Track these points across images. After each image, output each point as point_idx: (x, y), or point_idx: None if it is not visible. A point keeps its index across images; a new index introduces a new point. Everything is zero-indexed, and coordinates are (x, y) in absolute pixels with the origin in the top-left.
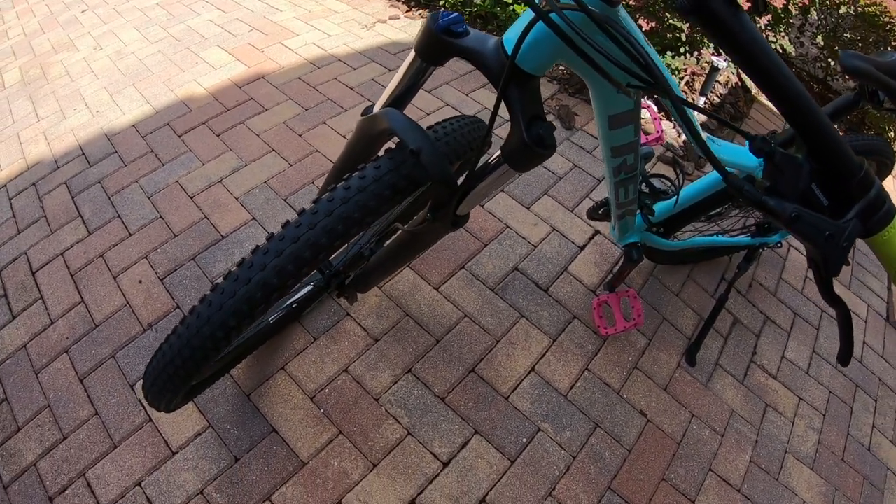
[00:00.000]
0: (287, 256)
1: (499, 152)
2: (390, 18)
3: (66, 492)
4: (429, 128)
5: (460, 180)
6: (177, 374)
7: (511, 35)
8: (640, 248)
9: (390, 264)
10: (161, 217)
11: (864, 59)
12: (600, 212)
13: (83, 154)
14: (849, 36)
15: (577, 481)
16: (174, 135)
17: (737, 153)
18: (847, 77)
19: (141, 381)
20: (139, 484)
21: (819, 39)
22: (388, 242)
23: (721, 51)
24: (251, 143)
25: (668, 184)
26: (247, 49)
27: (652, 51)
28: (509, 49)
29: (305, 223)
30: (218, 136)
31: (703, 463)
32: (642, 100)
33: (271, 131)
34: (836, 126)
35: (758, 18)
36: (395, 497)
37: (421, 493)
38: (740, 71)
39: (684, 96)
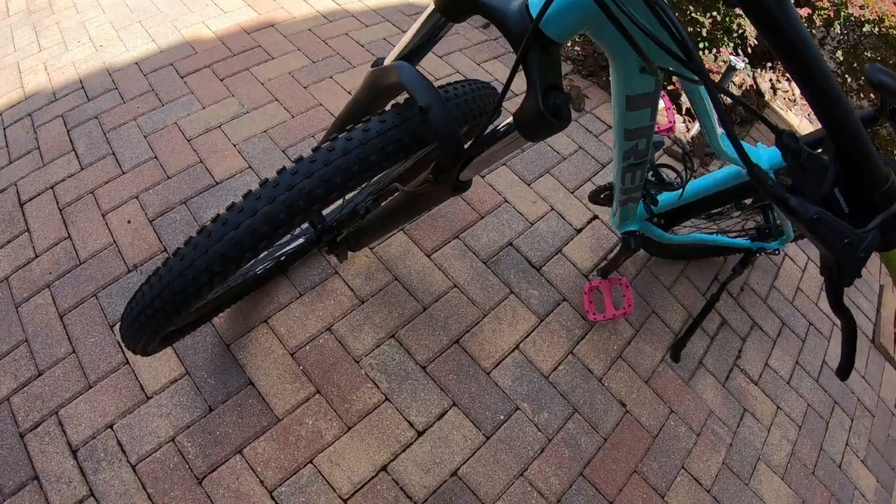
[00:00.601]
0: (280, 204)
1: (510, 119)
2: None
3: (38, 429)
4: (440, 87)
5: (467, 144)
6: (155, 316)
7: None
8: (639, 237)
9: (385, 225)
10: (156, 157)
11: (891, 74)
12: (602, 196)
13: (83, 88)
14: (869, 55)
15: (551, 464)
16: (177, 76)
17: (749, 151)
18: (862, 95)
19: (119, 322)
20: (111, 426)
21: (839, 54)
22: (384, 203)
23: (740, 51)
24: (254, 91)
25: (675, 176)
26: None
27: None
28: (534, 11)
29: (302, 171)
30: (221, 80)
31: (676, 460)
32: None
33: (276, 80)
34: None
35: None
36: (367, 461)
37: (393, 460)
38: (755, 74)
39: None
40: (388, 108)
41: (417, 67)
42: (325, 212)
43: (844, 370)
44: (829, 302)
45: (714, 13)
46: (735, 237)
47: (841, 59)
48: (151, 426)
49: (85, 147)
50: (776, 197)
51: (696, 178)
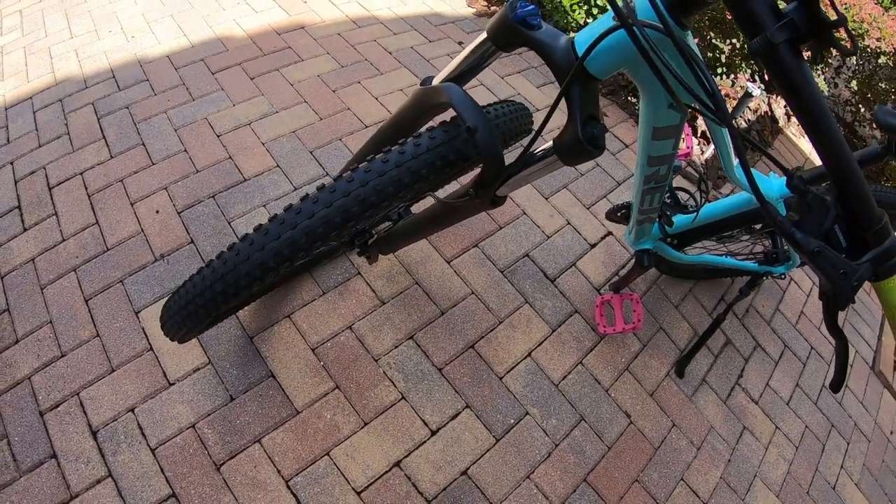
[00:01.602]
0: (336, 208)
1: (550, 143)
2: None
3: (59, 408)
4: (483, 107)
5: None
6: (205, 306)
7: (583, 38)
8: (652, 255)
9: (417, 232)
10: (186, 151)
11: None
12: (619, 214)
13: (114, 77)
14: (883, 86)
15: (556, 469)
16: (208, 71)
17: (760, 180)
18: (875, 127)
19: (161, 310)
20: (132, 410)
21: (853, 84)
22: (420, 211)
23: (756, 78)
24: (284, 92)
25: (689, 198)
26: None
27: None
28: (580, 50)
29: (358, 179)
30: (252, 79)
31: (676, 471)
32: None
33: (305, 82)
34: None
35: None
36: (381, 456)
37: (407, 456)
38: (771, 100)
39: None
40: (435, 125)
41: (465, 89)
42: None
43: (837, 384)
44: (825, 323)
45: (734, 39)
46: (743, 260)
47: (855, 88)
48: (173, 412)
49: (115, 136)
50: (784, 231)
51: (710, 201)
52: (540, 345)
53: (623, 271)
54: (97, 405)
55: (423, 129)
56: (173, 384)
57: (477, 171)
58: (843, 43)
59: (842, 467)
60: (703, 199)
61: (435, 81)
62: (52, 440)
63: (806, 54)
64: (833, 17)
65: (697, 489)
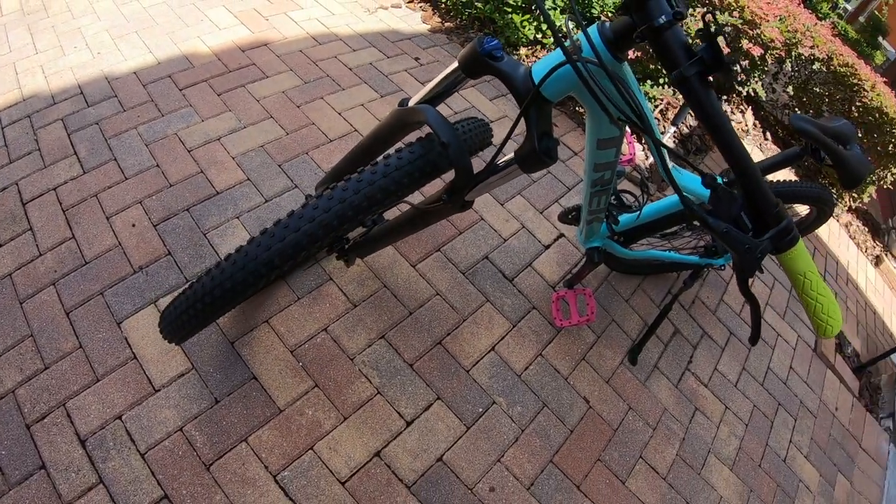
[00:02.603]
0: (333, 213)
1: (511, 155)
2: (392, 6)
3: (45, 420)
4: (455, 126)
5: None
6: (208, 307)
7: (538, 68)
8: (601, 252)
9: (392, 236)
10: (158, 165)
11: (810, 122)
12: (570, 216)
13: (82, 93)
14: (818, 90)
15: (524, 452)
16: (175, 88)
17: (695, 182)
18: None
19: (160, 316)
20: (120, 417)
21: (790, 89)
22: (395, 217)
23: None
24: (251, 107)
25: (633, 199)
26: (252, 14)
27: (642, 96)
28: (536, 79)
29: (351, 188)
30: (219, 95)
31: (635, 450)
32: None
33: (270, 98)
34: (782, 169)
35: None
36: (362, 448)
37: (386, 446)
38: None
39: (657, 124)
40: (412, 141)
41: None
42: None
43: (754, 338)
44: (739, 289)
45: None
46: (686, 254)
47: (792, 93)
48: (160, 417)
49: (87, 151)
50: (699, 217)
51: (652, 201)
52: (502, 339)
53: (576, 269)
54: (84, 414)
55: (402, 144)
56: (159, 390)
57: (447, 180)
58: (734, 73)
59: (791, 442)
60: (646, 200)
61: (411, 103)
62: (41, 451)
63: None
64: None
65: (656, 466)
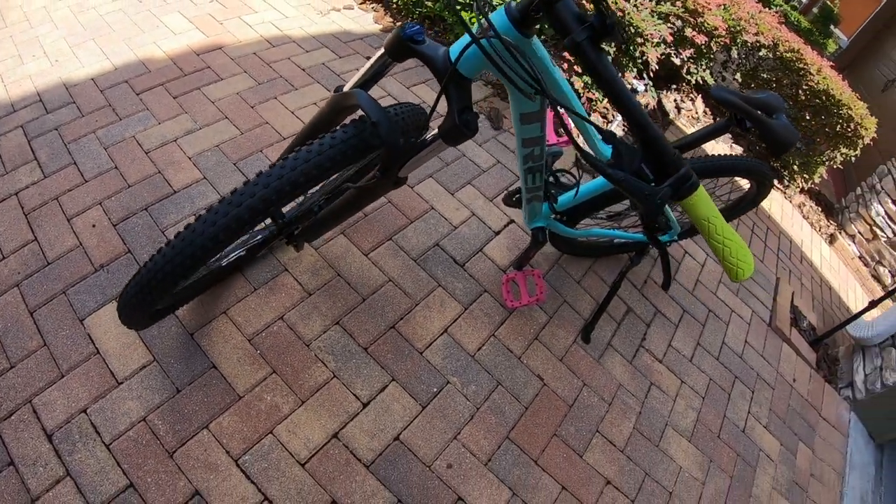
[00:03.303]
0: (272, 189)
1: (436, 130)
2: (344, 8)
3: (12, 417)
4: (386, 108)
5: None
6: (162, 283)
7: (455, 48)
8: (545, 231)
9: (336, 218)
10: (116, 168)
11: (732, 92)
12: (514, 199)
13: (41, 101)
14: (766, 76)
15: (480, 429)
16: (132, 92)
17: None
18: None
19: (118, 300)
20: (84, 411)
21: (738, 76)
22: (337, 200)
23: (646, 76)
24: (206, 109)
25: (573, 179)
26: (206, 19)
27: (556, 70)
28: (453, 58)
29: (289, 165)
30: (174, 98)
31: (591, 425)
32: (560, 110)
33: (225, 100)
34: (711, 140)
35: (647, 50)
36: (320, 430)
37: (343, 428)
38: (661, 96)
39: (584, 109)
40: (347, 123)
41: (369, 93)
42: (284, 210)
43: (666, 284)
44: (646, 237)
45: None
46: (630, 232)
47: (740, 80)
48: (123, 408)
49: (47, 157)
50: (599, 168)
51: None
52: (455, 322)
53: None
54: (50, 410)
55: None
56: (122, 383)
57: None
58: (623, 34)
59: (749, 413)
60: (581, 178)
61: (345, 89)
62: (9, 448)
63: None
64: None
65: (613, 439)
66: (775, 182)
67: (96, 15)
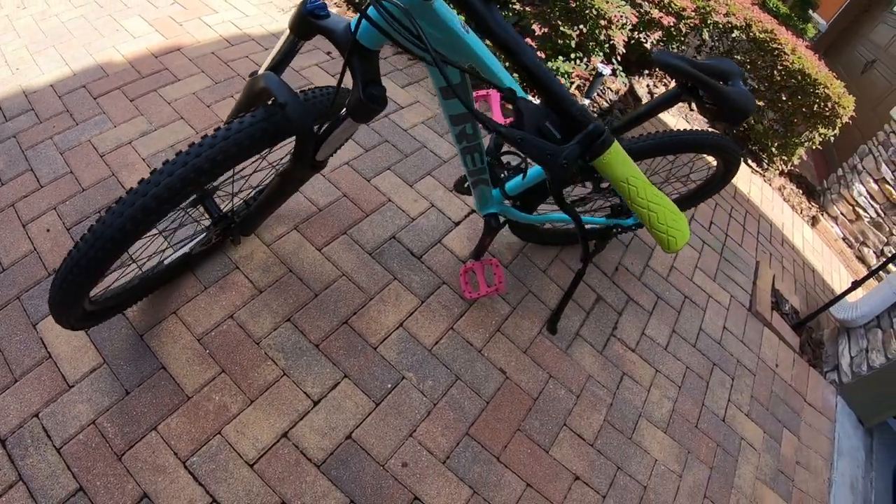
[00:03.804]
0: (176, 177)
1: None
2: None
3: None
4: (301, 92)
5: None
6: (84, 271)
7: (355, 20)
8: (498, 218)
9: (267, 206)
10: (71, 172)
11: (678, 57)
12: (465, 185)
13: (0, 109)
14: (739, 58)
15: (437, 425)
16: (90, 97)
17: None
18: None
19: (49, 293)
20: (37, 415)
21: None
22: (264, 191)
23: (615, 60)
24: (162, 110)
25: (521, 162)
26: (166, 21)
27: (469, 34)
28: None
29: (193, 152)
30: (131, 101)
31: (558, 418)
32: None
33: (182, 100)
34: (662, 111)
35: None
36: (269, 430)
37: (293, 427)
38: (633, 81)
39: (521, 89)
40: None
41: (283, 76)
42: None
43: (585, 260)
44: (556, 203)
45: (581, 26)
46: (593, 216)
47: None
48: (74, 412)
49: (4, 164)
50: (493, 128)
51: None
52: (411, 315)
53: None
54: (3, 415)
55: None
56: (73, 386)
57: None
58: None
59: (729, 401)
60: (527, 158)
61: (259, 73)
62: None
63: None
64: None
65: (582, 432)
66: (754, 162)
67: (58, 22)
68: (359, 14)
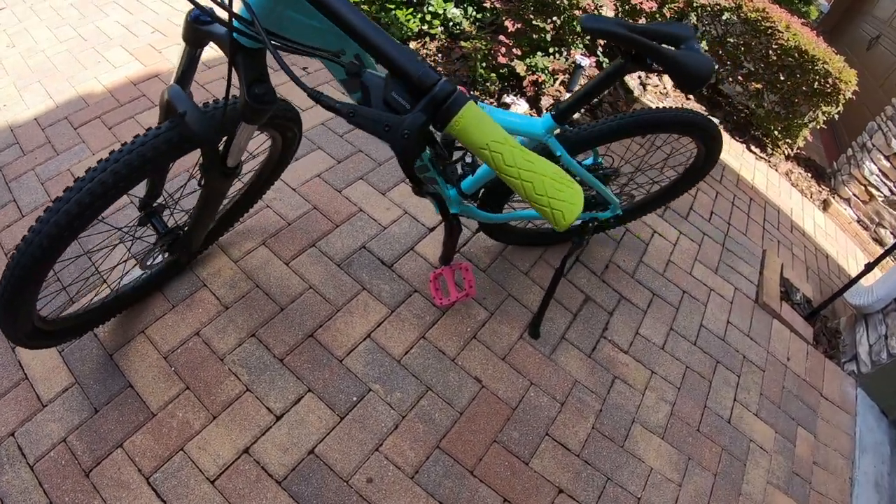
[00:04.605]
0: (85, 192)
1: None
2: None
3: None
4: (204, 104)
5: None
6: (17, 284)
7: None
8: (459, 219)
9: (200, 221)
10: (51, 200)
11: (611, 21)
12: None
13: None
14: (732, 41)
15: (405, 439)
16: (71, 127)
17: (527, 121)
18: (731, 80)
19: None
20: (13, 434)
21: (704, 44)
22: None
23: (599, 52)
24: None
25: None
26: (146, 49)
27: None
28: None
29: (99, 168)
30: (109, 128)
31: (539, 428)
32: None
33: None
34: (609, 86)
35: None
36: (230, 445)
37: (254, 443)
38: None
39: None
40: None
41: (191, 87)
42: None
43: (446, 258)
44: (410, 186)
45: (555, 18)
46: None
47: (706, 48)
48: (46, 430)
49: None
50: (315, 99)
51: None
52: (379, 326)
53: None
54: None
55: None
56: (46, 405)
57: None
58: None
59: (735, 400)
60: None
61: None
62: None
63: None
64: None
65: (566, 442)
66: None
67: (44, 57)
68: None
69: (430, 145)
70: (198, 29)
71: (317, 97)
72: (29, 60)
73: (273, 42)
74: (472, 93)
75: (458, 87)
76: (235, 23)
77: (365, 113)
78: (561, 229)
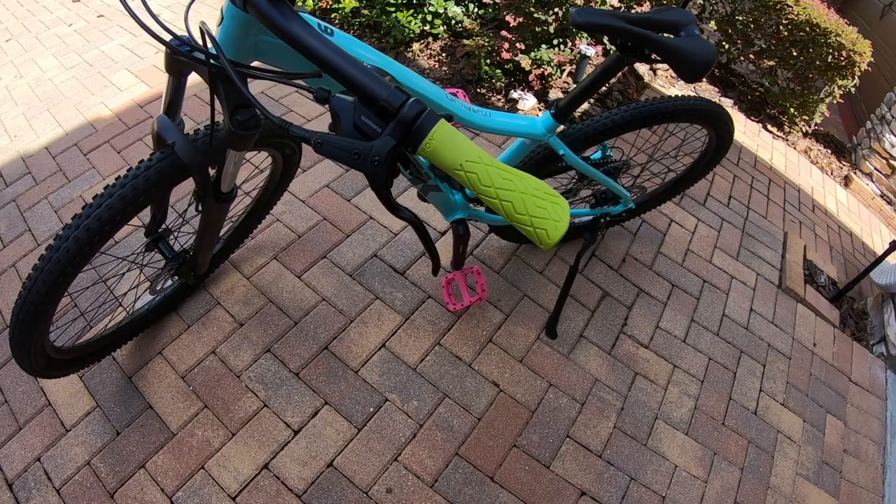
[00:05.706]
0: (82, 228)
1: None
2: None
3: None
4: (195, 131)
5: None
6: (26, 323)
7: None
8: (466, 224)
9: (202, 243)
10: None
11: (603, 13)
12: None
13: (1, 176)
14: (741, 19)
15: (424, 447)
16: (81, 154)
17: (529, 121)
18: (742, 58)
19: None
20: (39, 459)
21: (712, 24)
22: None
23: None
24: (146, 157)
25: None
26: (151, 71)
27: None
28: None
29: (96, 203)
30: (118, 152)
31: (559, 430)
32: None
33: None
34: (607, 81)
35: None
36: (250, 462)
37: (273, 458)
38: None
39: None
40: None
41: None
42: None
43: (434, 268)
44: (386, 208)
45: (556, 9)
46: (576, 207)
47: (715, 28)
48: (71, 454)
49: (5, 228)
50: (279, 127)
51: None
52: (393, 334)
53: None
54: (10, 461)
55: None
56: (70, 430)
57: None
58: None
59: (761, 391)
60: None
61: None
62: None
63: None
64: None
65: (587, 443)
66: (774, 127)
67: (52, 86)
68: (203, 43)
69: (405, 166)
70: (176, 59)
71: (285, 127)
72: (37, 89)
73: (249, 69)
74: (477, 90)
75: (427, 107)
76: (212, 50)
77: (333, 141)
78: (546, 248)
